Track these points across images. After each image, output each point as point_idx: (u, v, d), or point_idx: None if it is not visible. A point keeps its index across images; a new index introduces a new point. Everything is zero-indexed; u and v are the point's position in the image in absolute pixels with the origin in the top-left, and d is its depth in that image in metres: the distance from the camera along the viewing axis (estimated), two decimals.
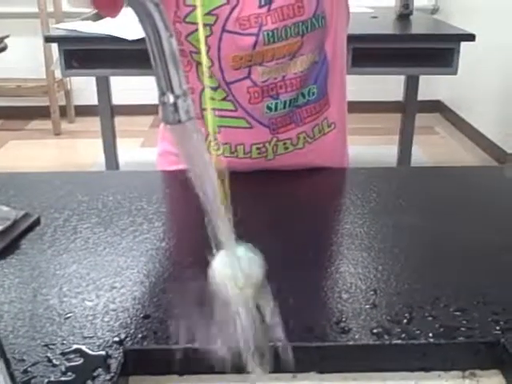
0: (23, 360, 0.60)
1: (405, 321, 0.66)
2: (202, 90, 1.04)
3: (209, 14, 0.97)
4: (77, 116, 4.54)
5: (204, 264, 0.62)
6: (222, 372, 0.61)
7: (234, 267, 0.50)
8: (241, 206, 0.87)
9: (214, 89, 1.03)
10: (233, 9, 0.97)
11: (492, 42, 3.57)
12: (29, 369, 0.58)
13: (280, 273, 0.76)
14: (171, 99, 0.44)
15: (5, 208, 0.90)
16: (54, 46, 2.77)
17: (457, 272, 0.77)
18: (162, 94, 0.45)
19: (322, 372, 0.63)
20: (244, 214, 0.90)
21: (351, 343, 0.62)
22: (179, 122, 0.44)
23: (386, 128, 4.11)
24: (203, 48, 0.94)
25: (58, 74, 2.83)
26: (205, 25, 0.97)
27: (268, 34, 0.98)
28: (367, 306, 0.68)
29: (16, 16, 4.22)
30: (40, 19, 4.03)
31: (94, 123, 3.30)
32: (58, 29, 2.80)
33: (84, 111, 4.39)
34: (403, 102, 3.15)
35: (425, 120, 4.21)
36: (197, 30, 0.98)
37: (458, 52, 2.63)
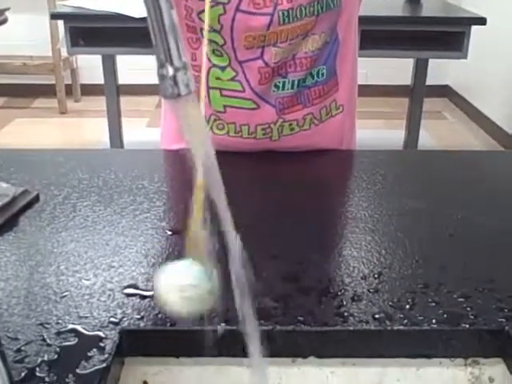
0: (17, 339, 0.58)
1: (407, 306, 0.64)
2: (210, 68, 1.02)
3: None
4: (83, 95, 4.52)
5: None
6: (219, 355, 0.61)
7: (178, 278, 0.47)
8: (242, 186, 0.86)
9: (223, 68, 1.01)
10: None
11: (503, 26, 3.52)
12: (22, 348, 0.57)
13: (281, 255, 0.75)
14: (170, 72, 0.42)
15: (4, 184, 0.89)
16: (61, 24, 2.75)
17: (462, 257, 0.75)
18: (161, 66, 0.43)
19: (321, 357, 0.62)
20: (245, 195, 0.88)
21: (351, 328, 0.61)
22: (178, 95, 0.42)
23: (393, 112, 4.08)
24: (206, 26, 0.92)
25: (64, 52, 2.81)
26: (218, 3, 0.95)
27: (283, 14, 0.95)
28: (369, 291, 0.67)
29: None
30: None
31: (100, 102, 3.28)
32: (64, 6, 2.78)
33: (90, 90, 4.38)
34: (411, 86, 3.12)
35: (433, 104, 4.18)
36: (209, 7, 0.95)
37: (469, 36, 2.60)
